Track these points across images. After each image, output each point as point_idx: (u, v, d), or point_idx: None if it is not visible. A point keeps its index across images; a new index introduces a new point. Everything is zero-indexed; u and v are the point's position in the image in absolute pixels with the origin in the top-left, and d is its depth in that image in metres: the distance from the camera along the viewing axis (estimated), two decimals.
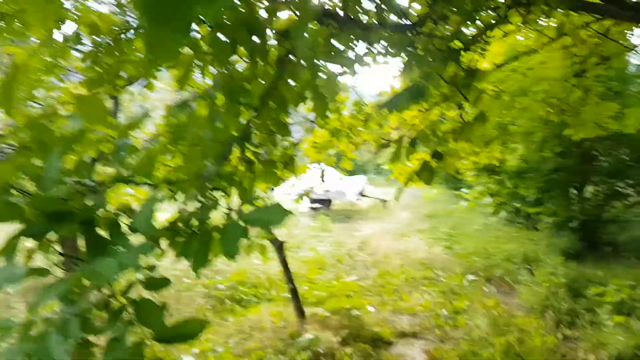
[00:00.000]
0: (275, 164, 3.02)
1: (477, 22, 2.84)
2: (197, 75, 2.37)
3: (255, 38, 2.03)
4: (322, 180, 19.78)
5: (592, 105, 5.98)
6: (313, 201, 22.38)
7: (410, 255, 10.48)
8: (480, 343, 6.00)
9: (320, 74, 2.12)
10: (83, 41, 2.97)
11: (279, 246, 6.56)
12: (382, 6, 2.51)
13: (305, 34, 1.90)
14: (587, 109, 6.01)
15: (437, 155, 2.73)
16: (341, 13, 2.47)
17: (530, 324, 6.44)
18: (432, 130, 2.96)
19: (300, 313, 6.28)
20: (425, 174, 2.79)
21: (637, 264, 8.46)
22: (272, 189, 5.96)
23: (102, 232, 1.37)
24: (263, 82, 2.21)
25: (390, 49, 2.61)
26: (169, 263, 8.22)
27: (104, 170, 1.66)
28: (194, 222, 1.46)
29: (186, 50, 2.16)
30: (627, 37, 5.63)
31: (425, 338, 6.67)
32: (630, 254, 9.14)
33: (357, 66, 2.48)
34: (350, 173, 27.75)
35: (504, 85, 6.54)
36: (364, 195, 23.82)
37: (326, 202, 22.02)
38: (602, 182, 10.76)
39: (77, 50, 3.10)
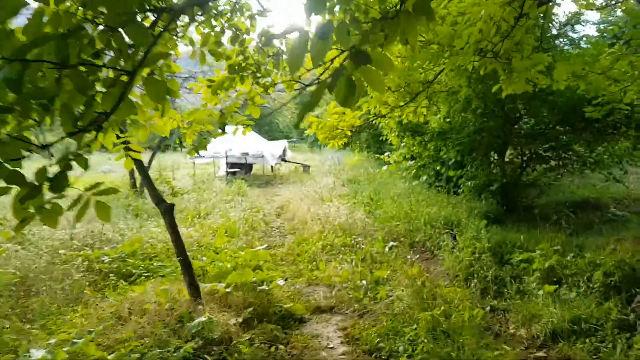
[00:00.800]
0: None
1: None
2: None
3: None
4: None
5: (524, 58, 5.27)
6: (231, 166, 21.00)
7: (330, 221, 9.62)
8: (403, 318, 5.21)
9: None
10: None
11: (167, 210, 5.34)
12: None
13: None
14: (518, 62, 5.29)
15: (358, 56, 1.66)
16: None
17: (456, 294, 5.75)
18: (353, 17, 1.89)
19: (194, 290, 5.14)
20: (343, 88, 1.72)
21: (558, 229, 8.10)
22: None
23: None
24: None
25: None
26: (47, 232, 6.61)
27: None
28: None
29: None
30: None
31: (342, 313, 5.80)
32: (550, 219, 8.81)
33: None
34: (272, 138, 26.05)
35: (431, 34, 5.69)
36: (285, 160, 22.73)
37: (245, 167, 20.71)
38: (523, 145, 10.40)
39: None
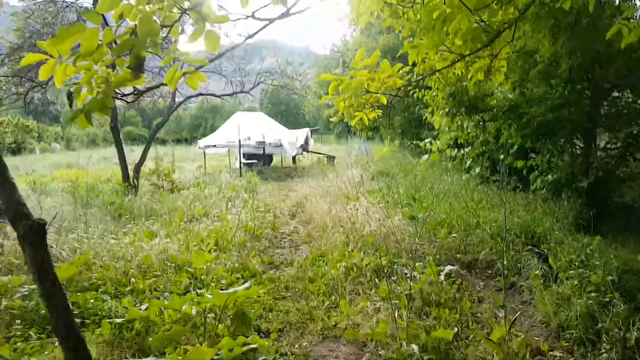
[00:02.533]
0: None
1: None
2: None
3: None
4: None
5: None
6: (248, 157, 18.48)
7: (356, 228, 6.92)
8: None
9: None
10: None
11: (29, 234, 2.63)
12: None
13: None
14: None
15: None
16: None
17: None
18: None
19: None
20: None
21: None
22: None
23: None
24: None
25: None
26: None
27: None
28: None
29: None
30: None
31: None
32: None
33: None
34: (295, 126, 23.41)
35: None
36: (307, 151, 20.08)
37: (264, 158, 18.16)
38: (621, 126, 7.44)
39: None
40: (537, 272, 5.11)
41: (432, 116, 9.16)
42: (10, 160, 28.32)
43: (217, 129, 20.34)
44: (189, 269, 5.66)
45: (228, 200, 9.95)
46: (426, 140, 10.50)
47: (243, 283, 5.44)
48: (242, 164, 17.60)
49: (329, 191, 11.02)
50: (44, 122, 53.06)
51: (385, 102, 4.74)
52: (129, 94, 3.56)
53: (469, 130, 8.37)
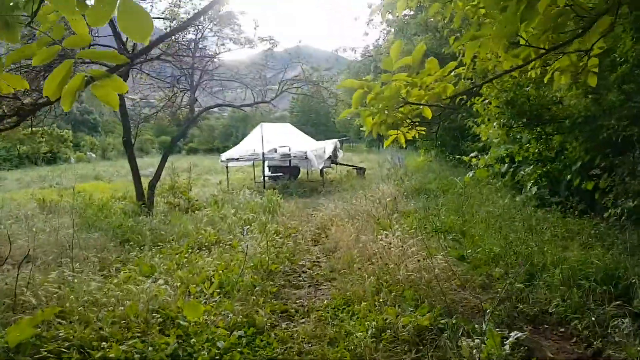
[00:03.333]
0: None
1: None
2: None
3: None
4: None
5: None
6: (274, 169, 17.40)
7: (390, 270, 5.61)
8: None
9: None
10: None
11: None
12: None
13: None
14: None
15: None
16: None
17: None
18: None
19: None
20: None
21: None
22: None
23: None
24: None
25: None
26: None
27: None
28: None
29: None
30: None
31: None
32: None
33: None
34: (326, 135, 22.27)
35: None
36: (336, 163, 18.86)
37: (290, 172, 17.03)
38: None
39: None
40: (631, 339, 3.75)
41: (480, 127, 7.79)
42: (39, 171, 28.19)
43: None
44: (183, 322, 4.52)
45: (244, 224, 8.81)
46: (471, 155, 9.07)
47: (245, 344, 4.25)
48: (267, 178, 16.52)
49: (358, 211, 9.75)
50: (82, 131, 53.83)
51: (430, 115, 3.50)
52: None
53: (527, 144, 6.96)
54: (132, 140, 10.37)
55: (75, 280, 5.28)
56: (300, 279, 6.47)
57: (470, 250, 5.91)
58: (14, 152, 33.45)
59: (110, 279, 5.56)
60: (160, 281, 5.56)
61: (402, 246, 6.27)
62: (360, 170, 18.30)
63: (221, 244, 7.67)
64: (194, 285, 5.46)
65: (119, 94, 1.51)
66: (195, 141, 58.37)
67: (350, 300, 5.20)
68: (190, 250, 7.13)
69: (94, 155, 43.94)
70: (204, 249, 7.50)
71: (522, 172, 7.14)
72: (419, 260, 5.48)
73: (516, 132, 7.04)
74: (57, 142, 39.46)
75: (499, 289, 5.03)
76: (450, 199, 10.36)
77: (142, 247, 7.57)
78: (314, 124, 49.57)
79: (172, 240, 7.99)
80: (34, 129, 33.10)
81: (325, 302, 5.38)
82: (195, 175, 22.86)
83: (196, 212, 9.93)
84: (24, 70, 9.23)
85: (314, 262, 7.35)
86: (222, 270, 5.93)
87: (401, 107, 3.26)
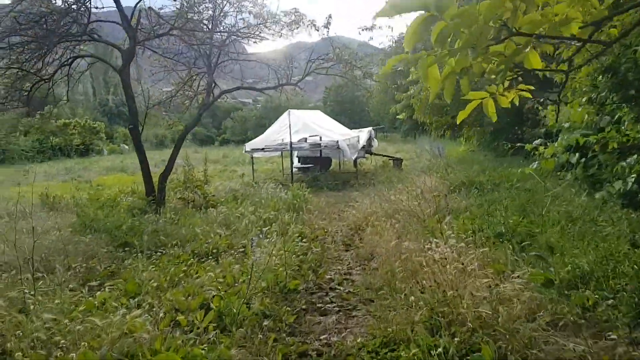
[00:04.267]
0: None
1: None
2: None
3: None
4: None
5: None
6: (303, 161, 16.00)
7: (450, 296, 4.11)
8: None
9: None
10: None
11: None
12: None
13: None
14: None
15: None
16: None
17: None
18: None
19: None
20: None
21: None
22: None
23: None
24: None
25: None
26: None
27: None
28: None
29: None
30: None
31: None
32: None
33: None
34: (360, 124, 20.65)
35: None
36: (371, 153, 17.30)
37: (320, 163, 15.59)
38: None
39: None
40: None
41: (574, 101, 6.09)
42: (68, 163, 27.66)
43: None
44: None
45: (264, 224, 7.44)
46: (536, 142, 7.36)
47: None
48: (296, 170, 15.13)
49: (398, 209, 8.24)
50: (118, 123, 53.95)
51: (538, 63, 1.98)
52: None
53: (622, 125, 5.28)
54: (140, 128, 9.14)
55: (32, 307, 4.02)
56: (327, 299, 5.03)
57: (551, 267, 4.32)
58: (47, 144, 33.34)
59: (79, 303, 4.27)
60: (145, 306, 4.26)
61: (460, 260, 4.73)
62: (397, 161, 16.68)
63: (233, 251, 6.32)
64: (185, 315, 4.11)
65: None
66: (228, 132, 57.71)
67: (394, 340, 3.74)
68: (192, 260, 5.80)
69: (126, 147, 43.65)
70: (211, 257, 6.17)
71: (623, 163, 5.43)
72: (489, 286, 3.94)
73: (610, 110, 5.37)
74: (89, 134, 39.42)
75: (611, 333, 3.46)
76: (507, 194, 8.70)
77: (138, 254, 6.31)
78: (348, 113, 47.79)
79: (176, 245, 6.71)
80: (66, 120, 33.02)
81: (359, 339, 3.93)
82: (222, 166, 21.78)
83: (211, 209, 8.62)
84: (17, 50, 8.13)
85: (345, 274, 5.91)
86: (225, 291, 4.56)
87: (501, 42, 1.74)
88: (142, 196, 9.35)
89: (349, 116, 45.95)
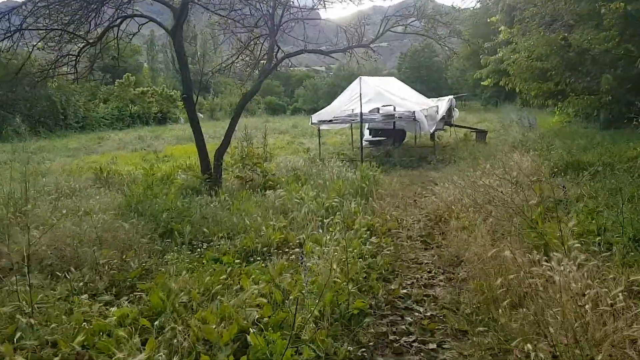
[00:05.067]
0: None
1: None
2: None
3: None
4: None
5: None
6: (375, 133, 14.59)
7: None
8: None
9: None
10: None
11: None
12: None
13: None
14: None
15: None
16: None
17: None
18: None
19: None
20: None
21: None
22: None
23: None
24: None
25: None
26: None
27: None
28: None
29: None
30: None
31: None
32: None
33: None
34: (436, 92, 18.80)
35: None
36: (450, 125, 15.49)
37: (394, 135, 14.11)
38: None
39: None
40: None
41: None
42: (144, 131, 27.88)
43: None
44: None
45: (326, 214, 6.27)
46: None
47: None
48: (366, 144, 13.75)
49: (489, 198, 6.72)
50: (195, 91, 54.89)
51: None
52: None
53: None
54: (195, 98, 8.22)
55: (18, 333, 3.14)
56: (403, 327, 3.79)
57: None
58: (125, 112, 34.24)
59: (82, 328, 3.35)
60: (167, 331, 3.28)
61: (594, 287, 3.26)
62: (481, 134, 14.78)
63: (287, 249, 5.23)
64: (212, 351, 3.06)
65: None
66: (299, 101, 56.92)
67: None
68: (236, 263, 4.77)
69: (202, 115, 44.21)
70: (262, 256, 5.11)
71: None
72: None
73: None
74: (166, 102, 40.17)
75: None
76: (628, 180, 6.87)
77: (182, 247, 5.41)
78: (424, 80, 45.02)
79: (225, 236, 5.74)
80: (144, 89, 33.46)
81: None
82: (290, 137, 20.86)
83: (270, 191, 7.57)
84: (59, 10, 7.37)
85: (424, 286, 4.62)
86: (269, 317, 3.46)
87: None
88: (198, 173, 8.51)
89: (425, 83, 43.27)
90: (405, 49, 58.66)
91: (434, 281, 4.74)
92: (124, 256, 5.19)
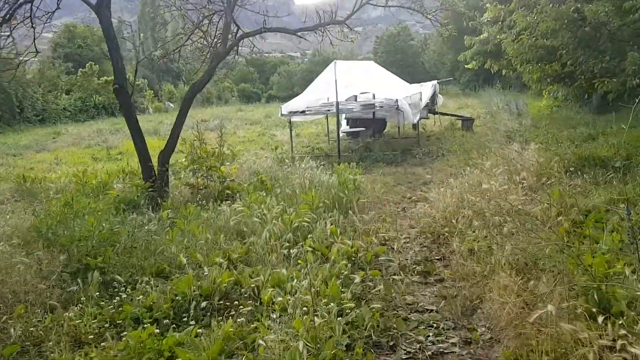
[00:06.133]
0: None
1: None
2: None
3: None
4: None
5: None
6: (353, 123, 13.08)
7: None
8: None
9: None
10: None
11: None
12: None
13: None
14: None
15: None
16: None
17: None
18: None
19: None
20: None
21: None
22: None
23: None
24: None
25: None
26: None
27: None
28: None
29: None
30: None
31: None
32: None
33: None
34: (413, 78, 17.51)
35: None
36: (435, 113, 14.08)
37: (373, 125, 12.63)
38: None
39: None
40: None
41: None
42: (105, 123, 25.48)
43: None
44: None
45: (294, 236, 4.76)
46: None
47: None
48: (343, 135, 12.22)
49: (496, 206, 5.32)
50: (167, 80, 52.26)
51: None
52: None
53: None
54: (130, 90, 6.56)
55: None
56: None
57: None
58: (90, 103, 31.81)
59: None
60: None
61: None
62: (468, 122, 13.40)
63: (238, 300, 3.71)
64: None
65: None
66: (274, 88, 54.84)
67: None
68: (156, 331, 3.21)
69: (171, 105, 41.88)
70: (198, 315, 3.58)
71: None
72: None
73: None
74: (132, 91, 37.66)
75: None
76: None
77: (89, 298, 3.86)
78: (400, 65, 43.39)
79: (157, 275, 4.20)
80: (108, 78, 30.93)
81: None
82: (262, 129, 19.13)
83: (225, 204, 5.98)
84: None
85: (433, 355, 3.16)
86: None
87: None
88: (138, 181, 6.87)
89: (401, 68, 41.68)
90: (380, 33, 57.03)
91: (446, 345, 3.29)
92: (13, 310, 3.64)
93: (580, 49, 6.65)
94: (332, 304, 3.38)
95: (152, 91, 44.61)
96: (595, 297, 3.12)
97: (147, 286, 4.00)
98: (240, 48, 8.49)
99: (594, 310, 3.05)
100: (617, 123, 10.32)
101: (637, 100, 7.83)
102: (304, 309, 3.35)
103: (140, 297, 3.90)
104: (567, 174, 6.44)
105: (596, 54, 6.48)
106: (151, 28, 43.10)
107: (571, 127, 10.46)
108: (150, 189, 6.47)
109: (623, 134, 8.76)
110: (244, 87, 53.61)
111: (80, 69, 33.75)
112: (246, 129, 19.04)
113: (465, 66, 18.21)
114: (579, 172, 6.36)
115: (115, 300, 3.86)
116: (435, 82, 14.50)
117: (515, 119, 13.37)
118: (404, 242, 5.23)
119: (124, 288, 4.08)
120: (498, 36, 13.05)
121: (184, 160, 7.05)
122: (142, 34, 46.14)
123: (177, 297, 3.76)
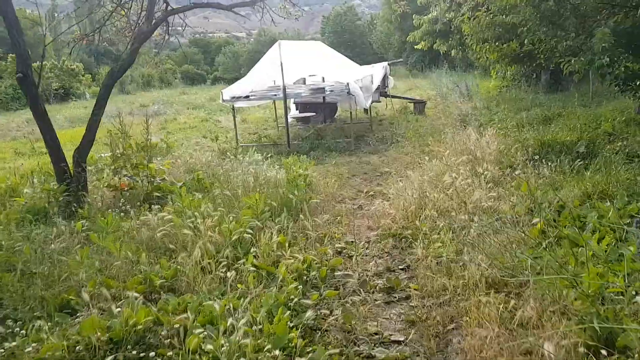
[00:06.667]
0: None
1: None
2: None
3: None
4: None
5: None
6: (303, 108, 12.27)
7: None
8: None
9: None
10: None
11: None
12: None
13: None
14: None
15: None
16: None
17: None
18: None
19: None
20: None
21: None
22: None
23: None
24: None
25: None
26: None
27: None
28: None
29: None
30: None
31: None
32: None
33: None
34: (364, 63, 16.81)
35: None
36: (386, 95, 13.48)
37: (323, 110, 11.87)
38: None
39: None
40: None
41: None
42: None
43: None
44: None
45: (235, 250, 3.96)
46: None
47: None
48: (292, 120, 11.37)
49: (460, 201, 4.76)
50: (106, 63, 48.89)
51: None
52: None
53: None
54: (37, 79, 5.44)
55: None
56: None
57: None
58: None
59: None
60: None
61: None
62: (420, 105, 12.91)
63: (156, 348, 2.89)
64: None
65: None
66: (220, 69, 52.61)
67: None
68: None
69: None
70: None
71: None
72: None
73: None
74: (68, 77, 34.89)
75: None
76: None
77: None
78: (348, 45, 42.60)
79: (49, 319, 3.29)
80: (46, 63, 28.18)
81: None
82: (205, 114, 17.85)
83: (154, 209, 5.06)
84: None
85: None
86: None
87: None
88: (50, 185, 5.79)
89: (349, 48, 40.93)
90: (327, 13, 55.83)
91: None
92: None
93: (543, 25, 6.17)
94: (276, 351, 2.64)
95: (90, 75, 41.69)
96: (597, 326, 2.55)
97: (42, 330, 3.10)
98: (171, 28, 7.44)
99: (594, 343, 2.50)
100: (568, 102, 10.12)
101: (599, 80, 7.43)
102: None
103: (34, 344, 3.00)
104: (531, 162, 5.97)
105: (560, 31, 6.00)
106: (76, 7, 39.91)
107: (524, 108, 10.16)
108: (64, 194, 5.42)
109: (577, 115, 8.49)
110: (188, 69, 51.10)
111: (11, 54, 30.71)
112: (188, 114, 17.75)
113: (415, 47, 17.70)
114: (543, 160, 5.89)
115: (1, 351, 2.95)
116: (385, 63, 13.87)
117: (466, 100, 13.03)
118: (362, 247, 4.55)
119: (15, 328, 3.16)
120: (447, 15, 12.54)
121: (104, 155, 6.02)
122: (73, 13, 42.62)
123: (77, 347, 2.89)
